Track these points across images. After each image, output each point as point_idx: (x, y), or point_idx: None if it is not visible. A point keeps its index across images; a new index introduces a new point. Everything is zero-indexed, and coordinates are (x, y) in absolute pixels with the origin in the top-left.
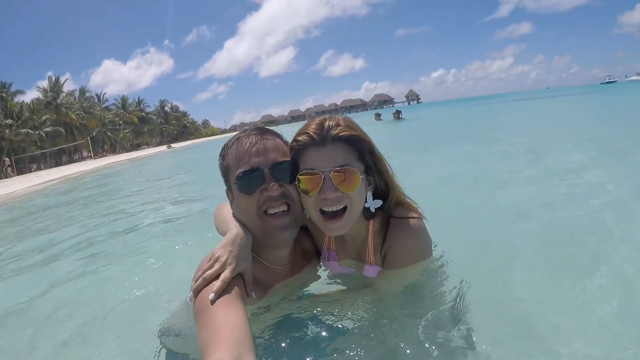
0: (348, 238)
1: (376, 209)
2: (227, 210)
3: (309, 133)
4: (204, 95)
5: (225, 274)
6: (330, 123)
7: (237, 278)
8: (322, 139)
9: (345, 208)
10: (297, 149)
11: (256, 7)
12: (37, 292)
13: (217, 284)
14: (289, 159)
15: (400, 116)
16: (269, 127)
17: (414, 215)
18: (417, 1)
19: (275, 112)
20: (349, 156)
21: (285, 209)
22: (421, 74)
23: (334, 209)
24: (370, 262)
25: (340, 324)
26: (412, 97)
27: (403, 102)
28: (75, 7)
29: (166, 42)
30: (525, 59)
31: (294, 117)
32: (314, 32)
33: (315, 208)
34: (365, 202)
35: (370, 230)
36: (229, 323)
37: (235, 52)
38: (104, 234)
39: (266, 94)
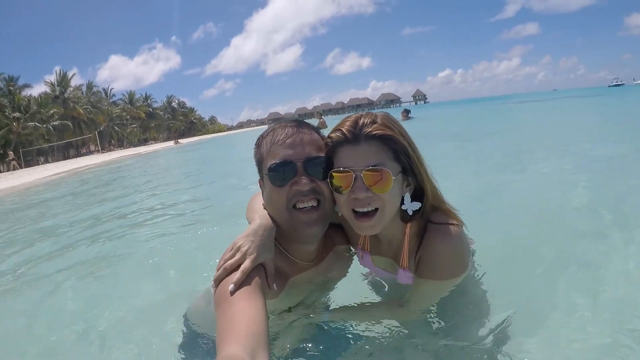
0: (383, 239)
1: (414, 212)
2: (259, 201)
3: (342, 130)
4: (211, 92)
5: (246, 265)
6: (365, 120)
7: (259, 269)
8: (355, 136)
9: (377, 209)
10: (331, 146)
11: (263, 4)
12: (58, 277)
13: (237, 275)
14: (323, 154)
15: (409, 115)
16: (305, 120)
17: (453, 222)
18: (423, 0)
19: (283, 109)
20: (382, 156)
21: (315, 205)
22: (428, 73)
23: (365, 210)
24: (404, 267)
25: (362, 336)
26: (419, 97)
27: (410, 101)
28: (82, 2)
29: (173, 38)
30: (532, 60)
31: (301, 115)
32: (320, 30)
33: (347, 207)
34: (403, 204)
35: (407, 234)
36: (246, 316)
37: (242, 49)
38: (117, 224)
39: (273, 91)
